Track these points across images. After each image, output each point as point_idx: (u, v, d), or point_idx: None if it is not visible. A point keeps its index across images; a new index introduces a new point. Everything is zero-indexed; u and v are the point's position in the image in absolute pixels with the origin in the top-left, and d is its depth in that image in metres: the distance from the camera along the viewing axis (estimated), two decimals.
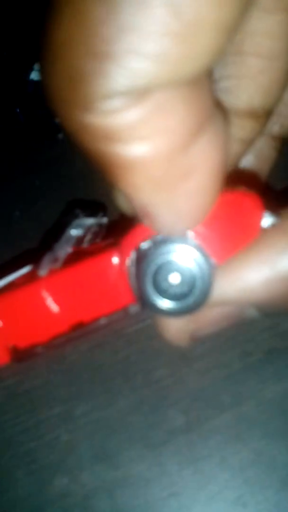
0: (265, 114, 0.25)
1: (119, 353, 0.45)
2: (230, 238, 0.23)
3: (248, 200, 0.24)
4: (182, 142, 0.19)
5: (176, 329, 0.26)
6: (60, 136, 0.73)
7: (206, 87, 0.19)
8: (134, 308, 0.26)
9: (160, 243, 0.23)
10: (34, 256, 0.32)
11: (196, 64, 0.17)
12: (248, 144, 0.26)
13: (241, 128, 0.25)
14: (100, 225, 0.33)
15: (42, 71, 0.18)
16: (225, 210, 0.23)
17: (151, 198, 0.20)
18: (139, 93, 0.17)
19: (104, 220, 0.33)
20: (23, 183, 0.63)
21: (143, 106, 0.17)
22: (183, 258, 0.23)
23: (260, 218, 0.24)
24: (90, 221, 0.31)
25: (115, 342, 0.46)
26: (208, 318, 0.25)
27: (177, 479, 0.39)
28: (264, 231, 0.24)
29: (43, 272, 0.27)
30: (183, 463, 0.39)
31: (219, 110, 0.21)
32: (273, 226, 0.24)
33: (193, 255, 0.23)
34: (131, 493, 0.39)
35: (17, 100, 0.66)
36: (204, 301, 0.23)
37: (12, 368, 0.46)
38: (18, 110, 0.66)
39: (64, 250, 0.28)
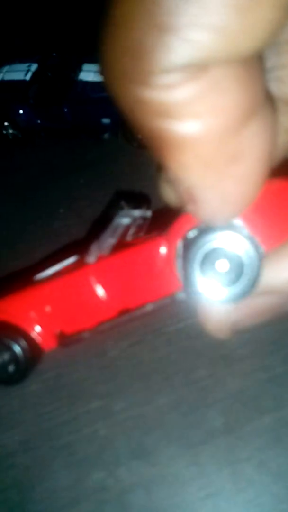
0: None
1: (159, 351, 0.45)
2: (278, 225, 0.23)
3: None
4: (234, 124, 0.19)
5: (218, 319, 0.25)
6: (106, 136, 0.74)
7: (258, 72, 0.19)
8: (180, 295, 0.26)
9: (207, 230, 0.23)
10: (79, 248, 0.33)
11: (255, 38, 0.17)
12: None
13: None
14: (144, 218, 0.33)
15: (101, 46, 0.18)
16: (273, 198, 0.23)
17: (198, 179, 0.20)
18: (197, 68, 0.17)
19: (148, 213, 0.33)
20: (68, 181, 0.65)
21: (200, 82, 0.17)
22: (232, 245, 0.23)
23: None
24: (135, 212, 0.31)
25: (155, 340, 0.46)
26: (252, 308, 0.25)
27: (215, 480, 0.39)
28: None
29: (91, 259, 0.27)
30: (221, 465, 0.39)
31: (269, 99, 0.21)
32: None
33: (242, 242, 0.23)
34: (168, 491, 0.39)
35: (66, 100, 0.67)
36: (252, 290, 0.23)
37: (52, 362, 0.47)
38: (66, 110, 0.67)
39: (110, 239, 0.29)
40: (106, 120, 0.67)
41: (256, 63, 0.19)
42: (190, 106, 0.18)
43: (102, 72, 0.18)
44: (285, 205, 0.24)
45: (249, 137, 0.19)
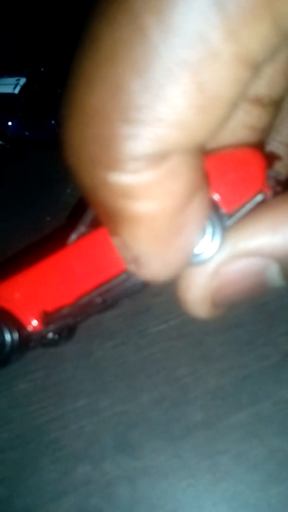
0: (272, 103, 0.27)
1: (142, 351, 0.48)
2: (235, 187, 0.26)
3: (248, 153, 0.27)
4: (183, 202, 0.22)
5: (198, 290, 0.26)
6: None
7: (201, 154, 0.22)
8: None
9: None
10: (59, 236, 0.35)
11: (208, 130, 0.20)
12: (258, 132, 0.28)
13: (248, 114, 0.27)
14: None
15: (67, 132, 0.20)
16: (232, 163, 0.26)
17: (147, 249, 0.23)
18: (160, 157, 0.20)
19: None
20: (54, 190, 0.67)
21: (160, 169, 0.20)
22: None
23: (262, 169, 0.26)
24: None
25: (139, 341, 0.48)
26: (230, 276, 0.26)
27: (195, 471, 0.41)
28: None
29: (69, 242, 0.30)
30: (201, 457, 0.41)
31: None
32: None
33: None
34: (151, 483, 0.41)
35: (53, 113, 0.70)
36: (217, 250, 0.25)
37: (40, 362, 0.49)
38: (53, 122, 0.70)
39: (86, 224, 0.31)
40: None
41: (203, 147, 0.22)
42: (149, 189, 0.21)
43: (66, 156, 0.21)
44: (244, 169, 0.26)
45: (193, 211, 0.22)
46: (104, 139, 0.19)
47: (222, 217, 0.26)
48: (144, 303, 0.50)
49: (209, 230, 0.25)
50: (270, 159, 0.31)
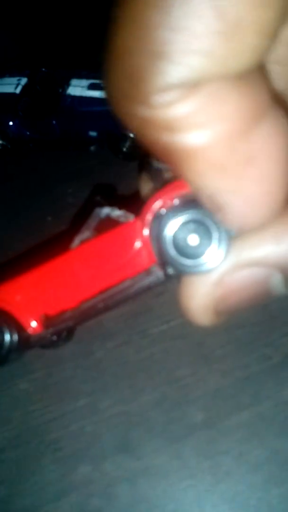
0: None
1: (143, 351, 0.47)
2: None
3: None
4: (240, 128, 0.20)
5: (201, 297, 0.26)
6: (92, 148, 0.76)
7: (259, 79, 0.21)
8: (155, 268, 0.28)
9: (175, 208, 0.26)
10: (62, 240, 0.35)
11: (241, 61, 0.19)
12: None
13: None
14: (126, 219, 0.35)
15: (105, 74, 0.21)
16: None
17: (217, 184, 0.21)
18: (192, 85, 0.19)
19: (130, 216, 0.35)
20: (56, 190, 0.67)
21: (197, 97, 0.19)
22: (200, 219, 0.25)
23: None
24: (113, 211, 0.33)
25: (140, 341, 0.48)
26: (233, 285, 0.25)
27: (196, 471, 0.41)
28: None
29: (73, 245, 0.30)
30: (201, 457, 0.41)
31: (280, 100, 0.23)
32: None
33: (209, 215, 0.25)
34: (151, 483, 0.41)
35: (54, 113, 0.70)
36: (223, 260, 0.25)
37: (41, 362, 0.49)
38: (54, 122, 0.70)
39: (90, 229, 0.31)
40: (93, 133, 0.70)
41: (254, 73, 0.21)
42: (192, 119, 0.20)
43: (108, 97, 0.21)
44: None
45: (261, 138, 0.21)
46: (132, 74, 0.19)
47: (226, 230, 0.26)
48: (146, 304, 0.50)
49: (215, 237, 0.25)
50: None
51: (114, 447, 0.43)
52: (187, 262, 0.26)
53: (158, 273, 0.28)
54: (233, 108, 0.20)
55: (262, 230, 0.25)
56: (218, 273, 0.25)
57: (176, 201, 0.26)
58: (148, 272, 0.29)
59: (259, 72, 0.21)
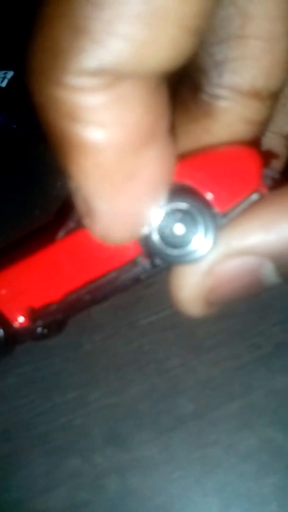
0: (270, 96, 0.27)
1: (132, 343, 0.47)
2: (229, 186, 0.26)
3: (244, 151, 0.26)
4: (134, 142, 0.21)
5: (191, 287, 0.25)
6: None
7: (164, 102, 0.21)
8: (140, 259, 0.28)
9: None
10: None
11: (160, 54, 0.19)
12: (256, 126, 0.28)
13: (246, 108, 0.27)
14: None
15: (28, 44, 0.20)
16: (223, 160, 0.26)
17: (95, 188, 0.21)
18: (108, 78, 0.19)
19: None
20: (44, 184, 0.66)
21: (109, 92, 0.19)
22: (185, 209, 0.25)
23: (257, 167, 0.26)
24: None
25: (129, 333, 0.48)
26: (224, 274, 0.25)
27: (185, 463, 0.40)
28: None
29: (58, 236, 0.29)
30: (191, 448, 0.41)
31: (172, 133, 0.23)
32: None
33: (193, 205, 0.25)
34: (140, 475, 0.40)
35: None
36: (208, 247, 0.25)
37: (29, 356, 0.48)
38: None
39: (75, 220, 0.30)
40: None
41: (164, 93, 0.21)
42: (97, 113, 0.20)
43: (26, 66, 0.20)
44: (235, 166, 0.26)
45: (147, 159, 0.21)
46: (51, 47, 0.19)
47: (215, 216, 0.26)
48: (135, 295, 0.50)
49: (201, 226, 0.25)
50: (267, 157, 0.31)
51: (103, 440, 0.43)
52: (174, 252, 0.26)
53: (144, 264, 0.28)
54: (135, 119, 0.21)
55: (252, 219, 0.25)
56: (207, 263, 0.25)
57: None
58: (134, 263, 0.28)
59: (166, 96, 0.21)
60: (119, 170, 0.21)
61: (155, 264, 0.27)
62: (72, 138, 0.20)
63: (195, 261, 0.25)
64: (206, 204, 0.25)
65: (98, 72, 0.19)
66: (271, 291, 0.46)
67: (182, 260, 0.25)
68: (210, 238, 0.25)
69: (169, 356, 0.45)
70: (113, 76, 0.19)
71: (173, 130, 0.24)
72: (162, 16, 0.18)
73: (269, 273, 0.25)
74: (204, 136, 0.28)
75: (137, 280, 0.29)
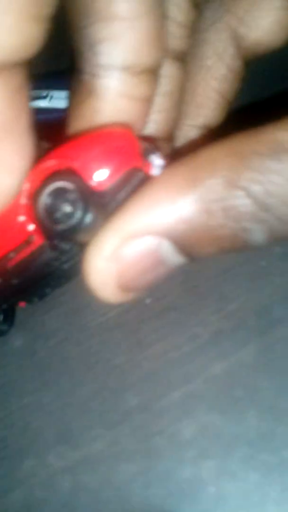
0: (144, 72, 0.29)
1: (83, 344, 0.49)
2: (105, 163, 0.27)
3: (121, 131, 0.28)
4: None
5: (100, 274, 0.26)
6: None
7: (20, 99, 0.23)
8: (37, 239, 0.29)
9: (49, 180, 0.27)
10: None
11: (7, 42, 0.21)
12: (139, 102, 0.29)
13: (123, 84, 0.29)
14: None
15: None
16: (101, 140, 0.27)
17: None
18: None
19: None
20: None
21: None
22: (65, 188, 0.27)
23: (135, 146, 0.28)
24: None
25: (79, 336, 0.49)
26: (126, 256, 0.26)
27: (132, 455, 0.42)
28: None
29: None
30: (138, 440, 0.42)
31: (31, 132, 0.25)
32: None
33: (73, 184, 0.27)
34: (90, 470, 0.42)
35: None
36: (90, 219, 0.26)
37: None
38: None
39: None
40: None
41: (23, 89, 0.23)
42: None
43: None
44: (110, 143, 0.28)
45: (3, 151, 0.23)
46: None
47: (93, 192, 0.27)
48: (85, 299, 0.51)
49: (82, 202, 0.27)
50: (150, 139, 0.33)
51: (57, 440, 0.44)
52: (59, 227, 0.27)
53: (44, 246, 0.30)
54: None
55: (139, 199, 0.26)
56: (109, 247, 0.26)
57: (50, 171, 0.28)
58: (28, 242, 0.30)
59: (24, 92, 0.23)
60: None
61: (56, 246, 0.29)
62: None
63: (80, 232, 0.27)
64: (85, 182, 0.27)
65: None
66: (209, 282, 0.48)
67: (69, 234, 0.27)
68: (91, 213, 0.27)
69: (116, 354, 0.47)
70: None
71: (31, 125, 0.26)
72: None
73: (169, 252, 0.26)
74: (94, 116, 0.30)
75: (47, 265, 0.30)
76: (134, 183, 0.28)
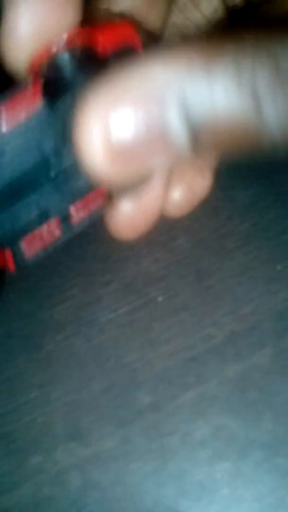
0: None
1: (92, 340, 0.48)
2: (110, 39, 0.27)
3: (124, 21, 0.28)
4: None
5: (90, 125, 0.21)
6: None
7: None
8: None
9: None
10: None
11: None
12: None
13: None
14: None
15: None
16: (109, 25, 0.28)
17: None
18: None
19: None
20: None
21: None
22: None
23: (134, 31, 0.28)
24: None
25: (89, 331, 0.49)
26: (124, 132, 0.21)
27: (144, 454, 0.42)
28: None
29: None
30: (149, 439, 0.42)
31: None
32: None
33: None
34: (101, 468, 0.42)
35: None
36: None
37: None
38: None
39: None
40: None
41: None
42: None
43: None
44: (118, 29, 0.27)
45: None
46: None
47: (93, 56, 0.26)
48: (94, 294, 0.51)
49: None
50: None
51: (65, 436, 0.44)
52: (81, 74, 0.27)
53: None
54: None
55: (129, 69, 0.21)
56: (102, 112, 0.20)
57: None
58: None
59: None
60: None
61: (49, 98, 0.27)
62: None
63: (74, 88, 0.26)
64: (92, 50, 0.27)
65: None
66: (223, 283, 0.48)
67: (62, 84, 0.25)
68: (87, 73, 0.25)
69: (127, 351, 0.47)
70: None
71: None
72: None
73: (174, 119, 0.21)
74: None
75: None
76: (125, 56, 0.28)
